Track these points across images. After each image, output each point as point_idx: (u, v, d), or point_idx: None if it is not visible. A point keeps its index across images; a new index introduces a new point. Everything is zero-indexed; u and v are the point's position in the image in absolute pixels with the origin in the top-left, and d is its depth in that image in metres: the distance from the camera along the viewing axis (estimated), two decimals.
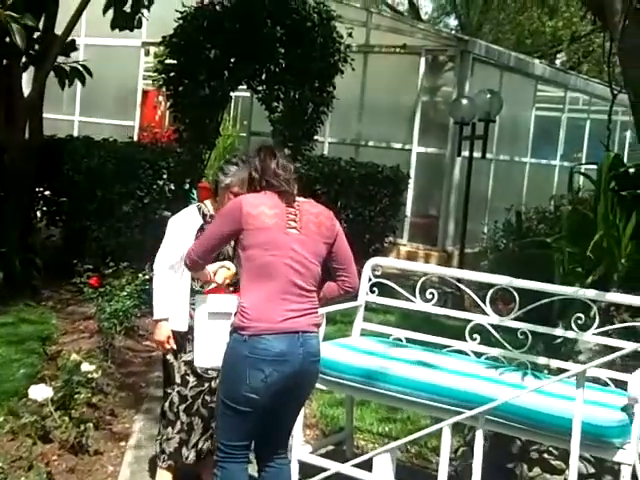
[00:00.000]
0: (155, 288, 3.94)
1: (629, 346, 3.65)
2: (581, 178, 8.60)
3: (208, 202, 4.07)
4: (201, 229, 3.91)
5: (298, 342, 3.16)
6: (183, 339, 3.89)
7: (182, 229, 3.92)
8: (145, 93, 14.44)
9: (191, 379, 3.92)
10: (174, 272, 3.88)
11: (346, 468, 3.66)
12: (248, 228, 3.20)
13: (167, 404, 3.97)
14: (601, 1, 5.81)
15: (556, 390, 3.69)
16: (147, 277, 6.45)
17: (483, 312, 4.35)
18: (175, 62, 9.24)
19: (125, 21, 8.38)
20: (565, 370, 4.15)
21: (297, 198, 3.35)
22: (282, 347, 3.13)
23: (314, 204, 3.40)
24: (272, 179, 3.32)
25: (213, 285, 3.68)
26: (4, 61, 8.40)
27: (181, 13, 9.20)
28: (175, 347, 3.89)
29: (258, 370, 3.11)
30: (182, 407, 3.93)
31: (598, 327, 4.02)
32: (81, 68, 8.81)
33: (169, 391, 3.97)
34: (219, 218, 3.44)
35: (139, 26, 8.61)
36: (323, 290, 3.45)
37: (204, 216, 3.98)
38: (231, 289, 3.72)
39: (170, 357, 3.95)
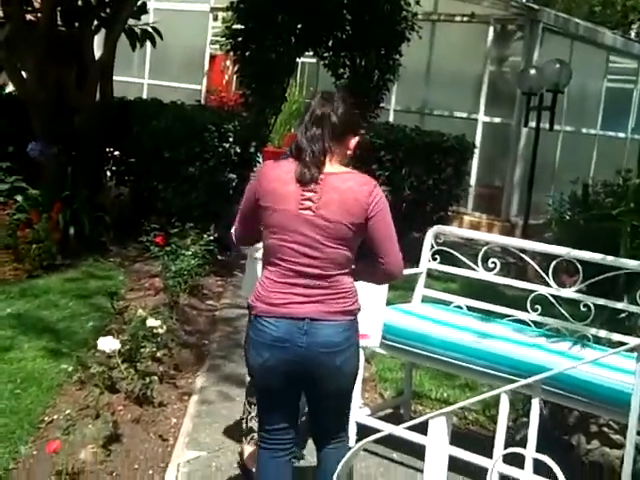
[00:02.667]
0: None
1: None
2: None
3: None
4: None
5: (301, 329, 2.84)
6: None
7: None
8: (212, 57, 14.54)
9: None
10: None
11: (401, 431, 3.73)
12: (261, 206, 2.90)
13: None
14: None
15: (617, 363, 3.66)
16: (211, 237, 6.60)
17: (545, 283, 4.33)
18: (242, 27, 9.29)
19: None
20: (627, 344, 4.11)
21: (330, 167, 2.88)
22: (280, 332, 2.86)
23: (348, 177, 2.89)
24: (300, 140, 2.90)
25: None
26: (76, 24, 8.57)
27: None
28: None
29: (257, 353, 2.93)
30: None
31: None
32: (151, 30, 8.92)
33: None
34: (245, 192, 3.06)
35: None
36: (358, 269, 2.99)
37: None
38: None
39: None
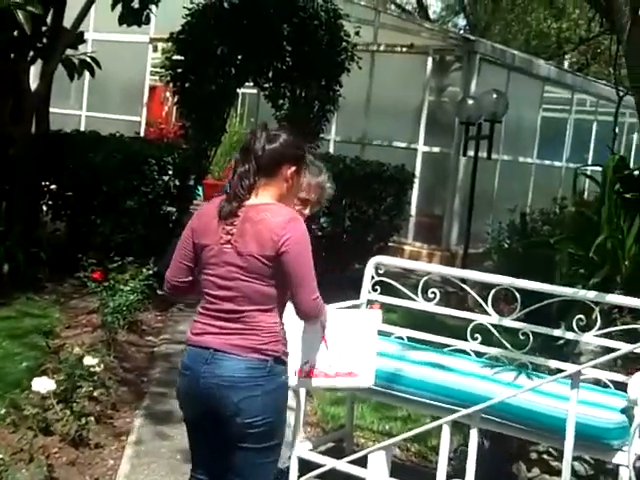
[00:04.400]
0: None
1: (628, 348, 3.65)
2: (587, 180, 8.62)
3: None
4: None
5: (203, 359, 2.81)
6: None
7: None
8: (152, 89, 14.48)
9: None
10: None
11: (342, 464, 3.69)
12: (194, 243, 2.93)
13: None
14: (609, 4, 5.82)
15: (555, 390, 3.69)
16: (151, 272, 6.50)
17: (485, 312, 4.35)
18: (182, 58, 9.28)
19: (133, 17, 8.39)
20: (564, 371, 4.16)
21: (254, 199, 2.85)
22: (187, 361, 2.89)
23: (266, 208, 2.83)
24: (233, 177, 2.92)
25: None
26: (11, 55, 8.44)
27: (189, 10, 9.24)
28: None
29: (176, 381, 3.00)
30: None
31: (600, 329, 4.01)
32: (90, 60, 8.83)
33: None
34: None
35: (147, 22, 8.63)
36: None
37: None
38: None
39: None
